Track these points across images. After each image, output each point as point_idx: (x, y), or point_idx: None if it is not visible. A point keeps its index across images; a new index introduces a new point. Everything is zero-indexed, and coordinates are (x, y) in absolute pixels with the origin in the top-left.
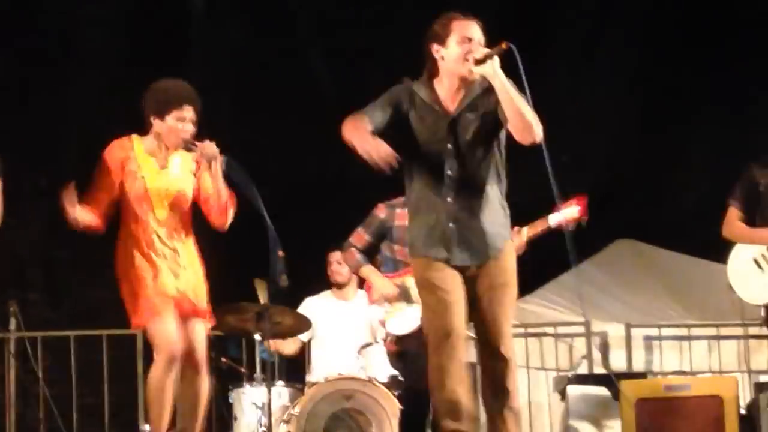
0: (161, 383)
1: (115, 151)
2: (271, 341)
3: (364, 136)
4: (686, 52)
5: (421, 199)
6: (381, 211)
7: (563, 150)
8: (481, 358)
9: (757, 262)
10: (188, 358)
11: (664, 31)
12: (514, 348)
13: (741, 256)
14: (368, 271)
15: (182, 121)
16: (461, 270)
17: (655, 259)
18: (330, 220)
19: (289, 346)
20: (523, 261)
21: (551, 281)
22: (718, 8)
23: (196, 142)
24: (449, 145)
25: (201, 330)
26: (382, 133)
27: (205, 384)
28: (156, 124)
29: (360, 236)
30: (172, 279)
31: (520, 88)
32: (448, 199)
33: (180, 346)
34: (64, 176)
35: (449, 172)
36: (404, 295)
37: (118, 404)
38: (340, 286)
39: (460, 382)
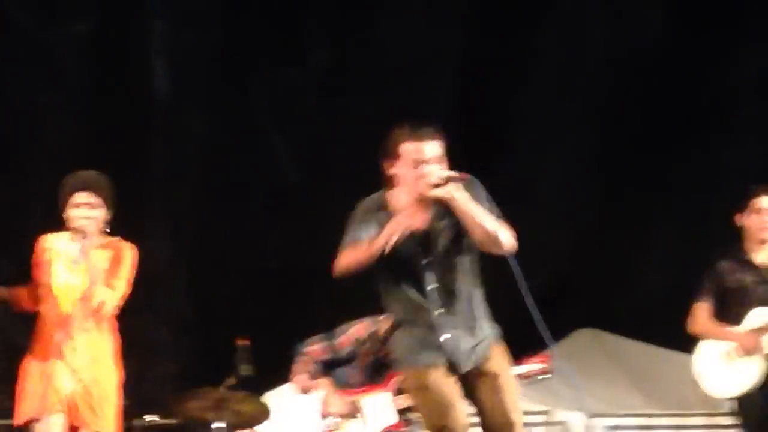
0: None
1: (40, 243)
2: None
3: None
4: (648, 137)
5: (408, 314)
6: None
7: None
8: None
9: (723, 357)
10: None
11: (625, 116)
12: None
13: (707, 352)
14: (322, 384)
15: (77, 207)
16: (460, 377)
17: (617, 348)
18: (294, 309)
19: None
20: None
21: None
22: (681, 94)
23: None
24: (425, 260)
25: None
26: None
27: None
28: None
29: (319, 351)
30: (69, 379)
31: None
32: (436, 313)
33: None
34: (26, 264)
35: (431, 286)
36: (353, 413)
37: None
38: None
39: None
